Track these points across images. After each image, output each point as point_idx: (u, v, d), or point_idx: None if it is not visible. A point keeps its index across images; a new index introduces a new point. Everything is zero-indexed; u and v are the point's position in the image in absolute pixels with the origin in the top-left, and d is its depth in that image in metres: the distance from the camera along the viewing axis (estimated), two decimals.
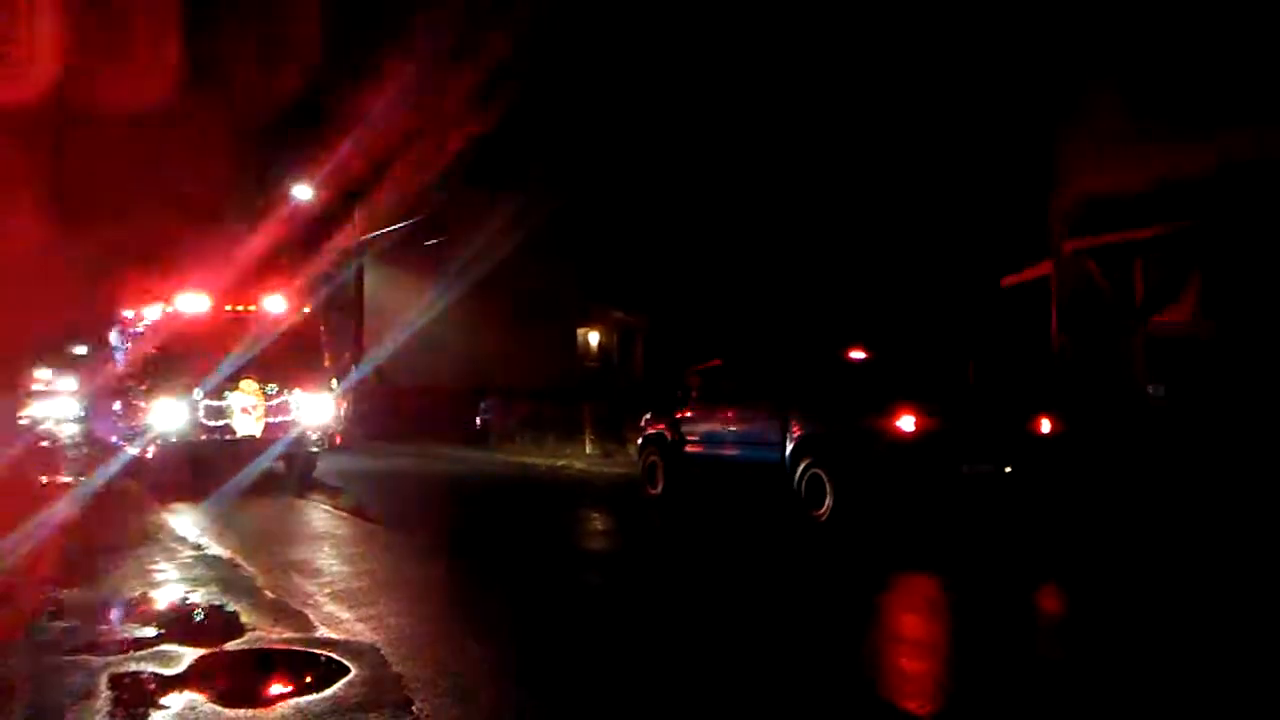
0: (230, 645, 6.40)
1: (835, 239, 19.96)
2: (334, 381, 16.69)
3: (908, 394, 10.39)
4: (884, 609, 7.76)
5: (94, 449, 22.84)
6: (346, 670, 5.75)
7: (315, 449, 16.45)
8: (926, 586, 8.51)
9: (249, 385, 16.01)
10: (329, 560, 9.69)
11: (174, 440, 15.53)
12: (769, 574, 9.06)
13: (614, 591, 8.40)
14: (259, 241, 20.89)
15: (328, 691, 5.36)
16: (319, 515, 13.74)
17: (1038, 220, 13.12)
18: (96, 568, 8.95)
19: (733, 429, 12.48)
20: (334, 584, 8.29)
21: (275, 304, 16.75)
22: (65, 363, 39.89)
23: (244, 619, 7.04)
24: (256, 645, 6.44)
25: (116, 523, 12.80)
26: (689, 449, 13.24)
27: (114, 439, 18.40)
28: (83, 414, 34.17)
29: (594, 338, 40.00)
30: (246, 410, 15.95)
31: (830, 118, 18.71)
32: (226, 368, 15.91)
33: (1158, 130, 11.03)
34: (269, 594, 7.92)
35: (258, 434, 16.01)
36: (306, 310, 17.04)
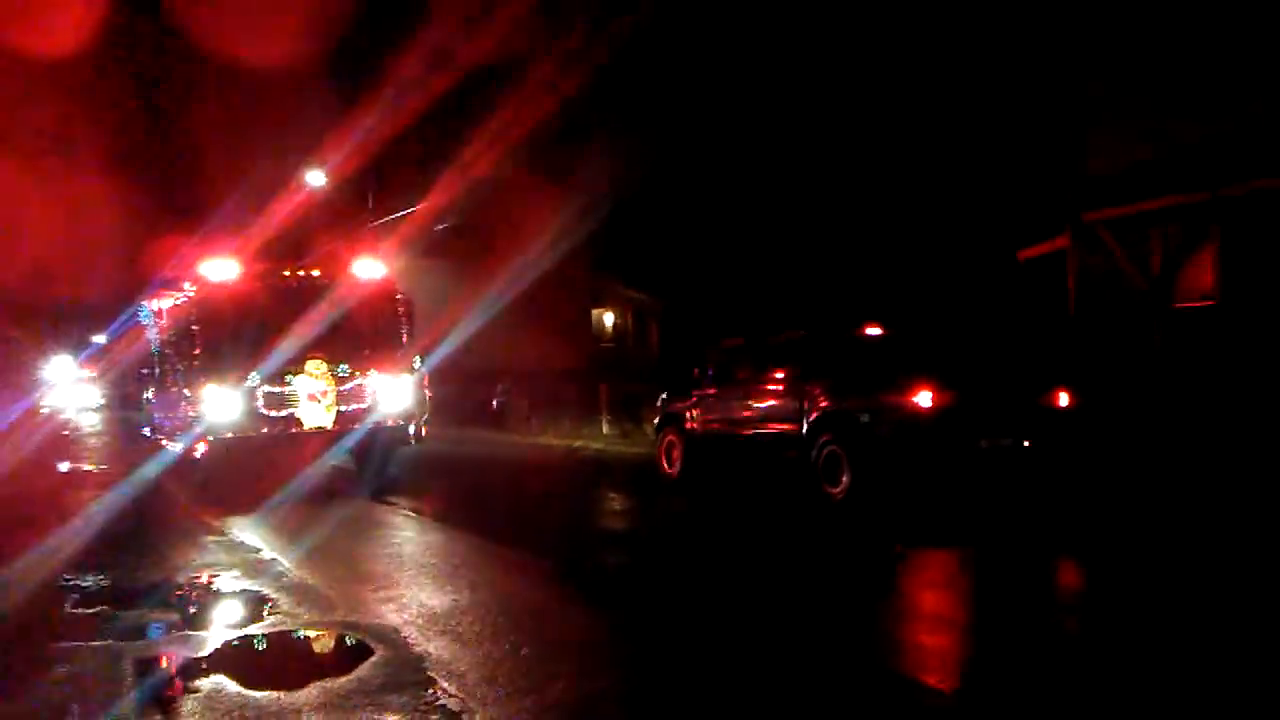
0: None
1: (851, 216, 19.46)
2: (418, 360, 13.78)
3: (925, 370, 10.31)
4: (903, 585, 7.77)
5: (122, 439, 20.09)
6: None
7: (397, 443, 13.57)
8: (945, 562, 8.51)
9: (317, 367, 13.15)
10: (438, 594, 7.55)
11: (227, 434, 12.69)
12: (789, 551, 9.07)
13: (636, 573, 8.47)
14: (321, 203, 18.06)
15: None
16: (405, 525, 11.14)
17: (1055, 194, 12.98)
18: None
19: (750, 407, 12.38)
20: (450, 623, 6.64)
21: (346, 268, 13.86)
22: (86, 346, 37.18)
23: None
24: None
25: (158, 534, 10.74)
26: (707, 428, 13.18)
27: (152, 432, 15.54)
28: (104, 402, 31.44)
29: (609, 318, 39.52)
30: (314, 397, 13.10)
31: (848, 95, 18.07)
32: (289, 346, 13.03)
33: (1175, 102, 10.86)
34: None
35: (329, 425, 13.18)
36: (384, 274, 14.10)
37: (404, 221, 23.95)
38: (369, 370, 13.55)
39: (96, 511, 12.47)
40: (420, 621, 6.64)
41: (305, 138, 18.58)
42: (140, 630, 6.78)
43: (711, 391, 13.21)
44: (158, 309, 16.09)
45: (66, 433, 26.80)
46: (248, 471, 12.85)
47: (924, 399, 9.97)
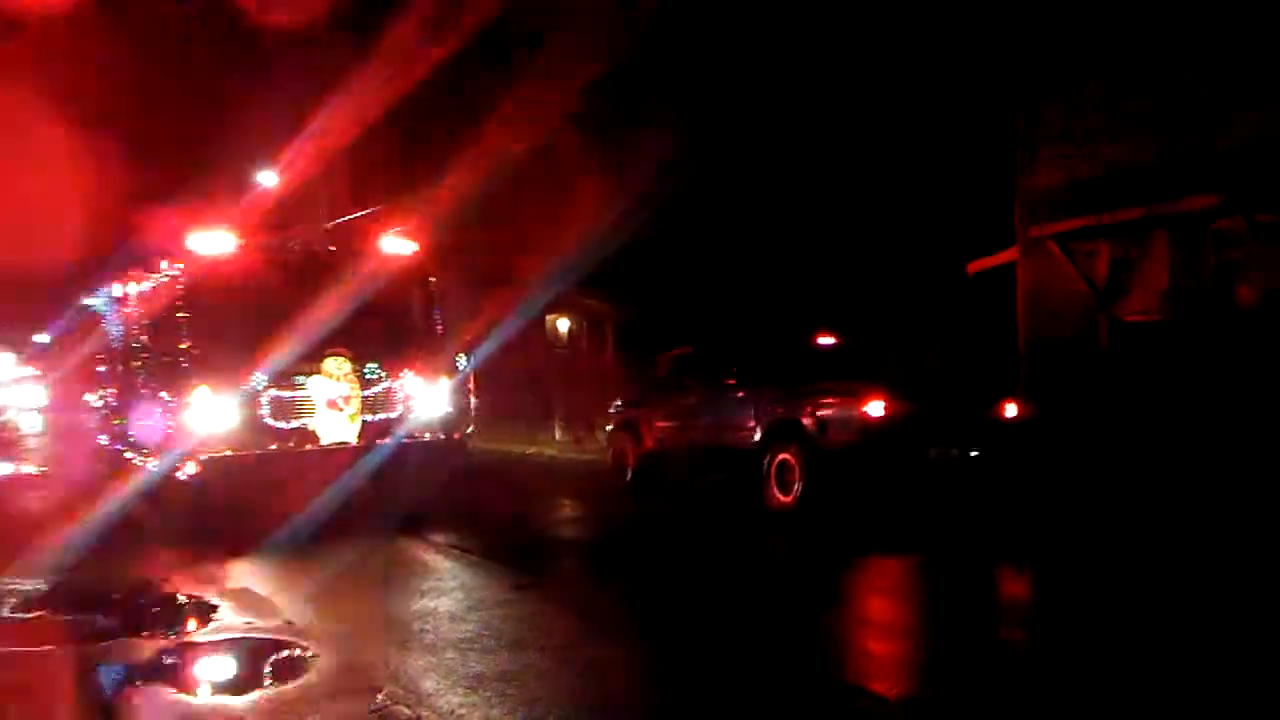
0: None
1: (803, 225, 19.93)
2: (461, 358, 11.07)
3: (876, 379, 10.47)
4: (852, 592, 7.88)
5: (69, 445, 17.08)
6: None
7: (436, 461, 10.86)
8: (894, 570, 8.59)
9: (338, 365, 10.43)
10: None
11: (223, 451, 9.92)
12: (739, 559, 9.02)
13: (583, 579, 8.63)
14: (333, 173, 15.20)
15: None
16: (454, 572, 8.71)
17: (1004, 209, 13.33)
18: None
19: (703, 415, 12.40)
20: None
21: (369, 244, 11.14)
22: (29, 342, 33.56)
23: None
24: None
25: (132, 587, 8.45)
26: (659, 436, 13.13)
27: (114, 445, 12.66)
28: (47, 404, 27.88)
29: (563, 324, 37.86)
30: (334, 404, 10.37)
31: (798, 105, 18.43)
32: (302, 340, 10.30)
33: (1124, 116, 11.20)
34: None
35: (352, 439, 10.45)
36: (413, 252, 11.38)
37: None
38: (401, 370, 10.83)
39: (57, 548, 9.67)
40: None
41: (312, 98, 15.73)
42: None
43: (664, 399, 13.24)
44: (123, 294, 13.21)
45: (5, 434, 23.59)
46: (248, 499, 10.06)
47: (875, 408, 10.04)
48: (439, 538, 9.96)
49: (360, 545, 9.59)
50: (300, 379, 10.36)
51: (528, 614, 7.03)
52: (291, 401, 10.31)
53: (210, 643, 6.70)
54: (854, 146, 18.41)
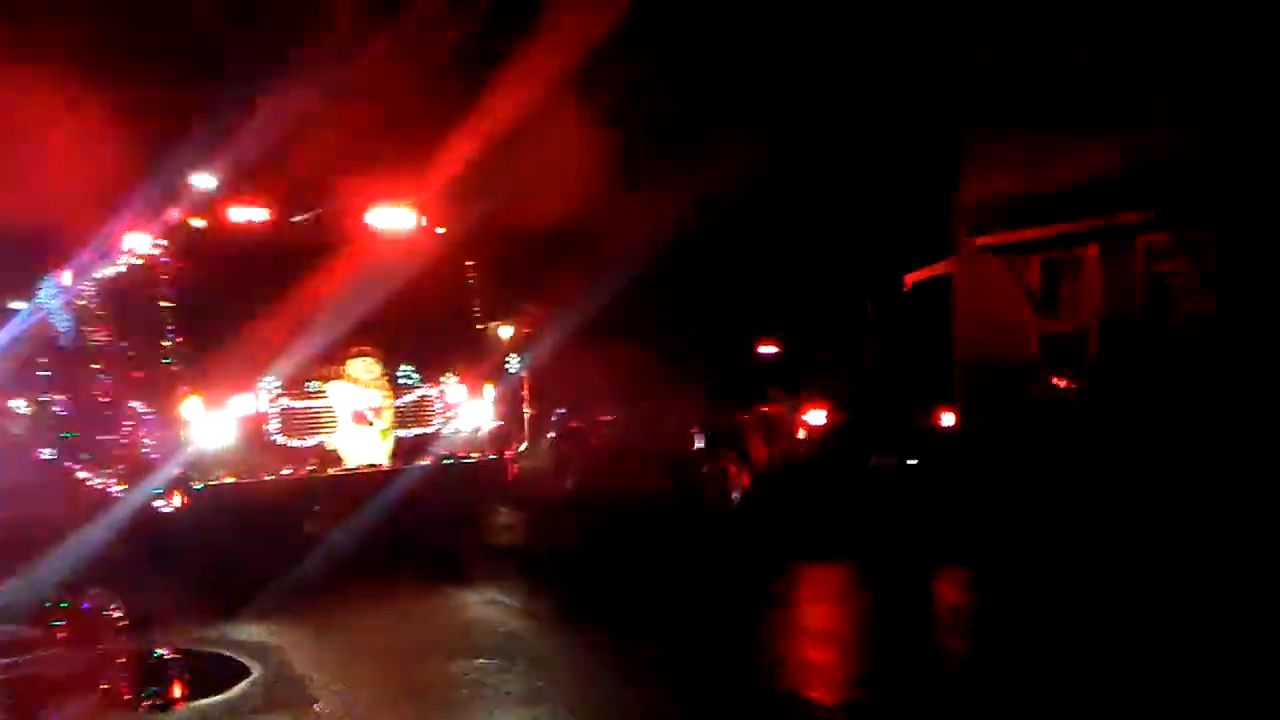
0: None
1: (742, 233, 19.50)
2: (511, 359, 9.00)
3: (818, 389, 10.57)
4: (791, 600, 7.91)
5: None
6: None
7: (484, 488, 8.78)
8: (833, 577, 8.67)
9: (366, 368, 8.35)
10: None
11: (221, 478, 7.75)
12: (678, 566, 8.86)
13: (523, 586, 8.05)
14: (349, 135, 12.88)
15: None
16: (511, 640, 6.57)
17: (942, 221, 13.52)
18: None
19: (644, 423, 12.28)
20: None
21: (393, 219, 9.05)
22: None
23: None
24: None
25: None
26: (602, 443, 12.97)
27: (89, 477, 10.37)
28: None
29: (505, 332, 36.17)
30: (362, 416, 8.27)
31: (737, 115, 17.73)
32: (320, 336, 8.18)
33: (1061, 132, 11.42)
34: None
35: (383, 460, 8.34)
36: (445, 233, 9.29)
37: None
38: (441, 375, 8.74)
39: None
40: None
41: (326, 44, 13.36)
42: None
43: (607, 406, 13.00)
44: (78, 281, 10.96)
45: None
46: (252, 539, 7.89)
47: (816, 416, 10.12)
48: (492, 591, 7.84)
49: (393, 599, 7.47)
50: (318, 385, 8.24)
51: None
52: (308, 414, 8.20)
53: None
54: (797, 157, 18.30)
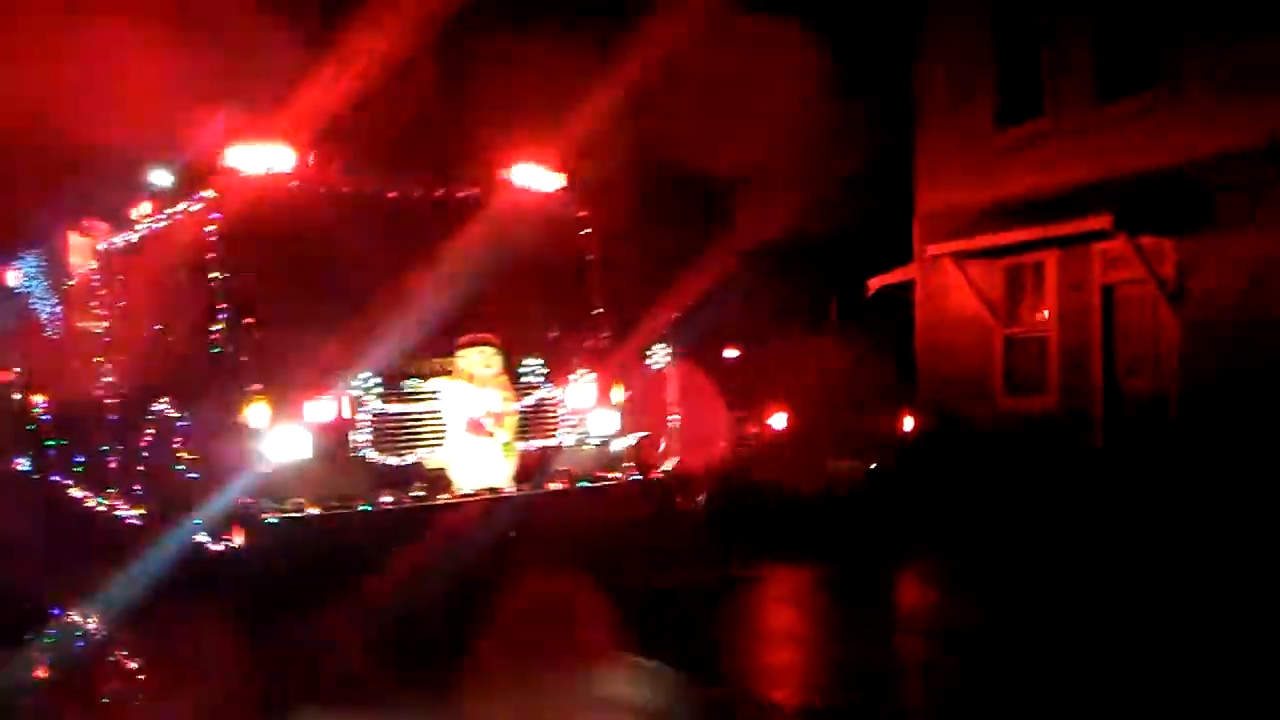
0: None
1: (705, 236, 18.13)
2: (660, 349, 7.05)
3: (779, 394, 10.64)
4: (754, 603, 7.77)
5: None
6: None
7: (633, 516, 6.77)
8: (795, 580, 8.59)
9: (484, 360, 6.32)
10: None
11: (297, 509, 5.68)
12: (640, 568, 7.95)
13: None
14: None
15: None
16: None
17: (905, 228, 13.71)
18: None
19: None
20: None
21: (501, 177, 7.04)
22: None
23: None
24: None
25: None
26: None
27: (86, 497, 8.26)
28: None
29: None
30: (479, 425, 6.29)
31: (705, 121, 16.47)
32: (423, 320, 6.16)
33: (1022, 140, 11.69)
34: None
35: (507, 484, 6.32)
36: (560, 189, 7.29)
37: None
38: (571, 371, 6.75)
39: None
40: None
41: None
42: None
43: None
44: (75, 251, 8.92)
45: None
46: (337, 591, 5.82)
47: (778, 421, 10.21)
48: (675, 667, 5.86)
49: (538, 682, 5.43)
50: (421, 384, 6.20)
51: None
52: (409, 422, 6.16)
53: None
54: (763, 161, 17.49)
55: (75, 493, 9.42)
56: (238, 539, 5.74)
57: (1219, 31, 9.49)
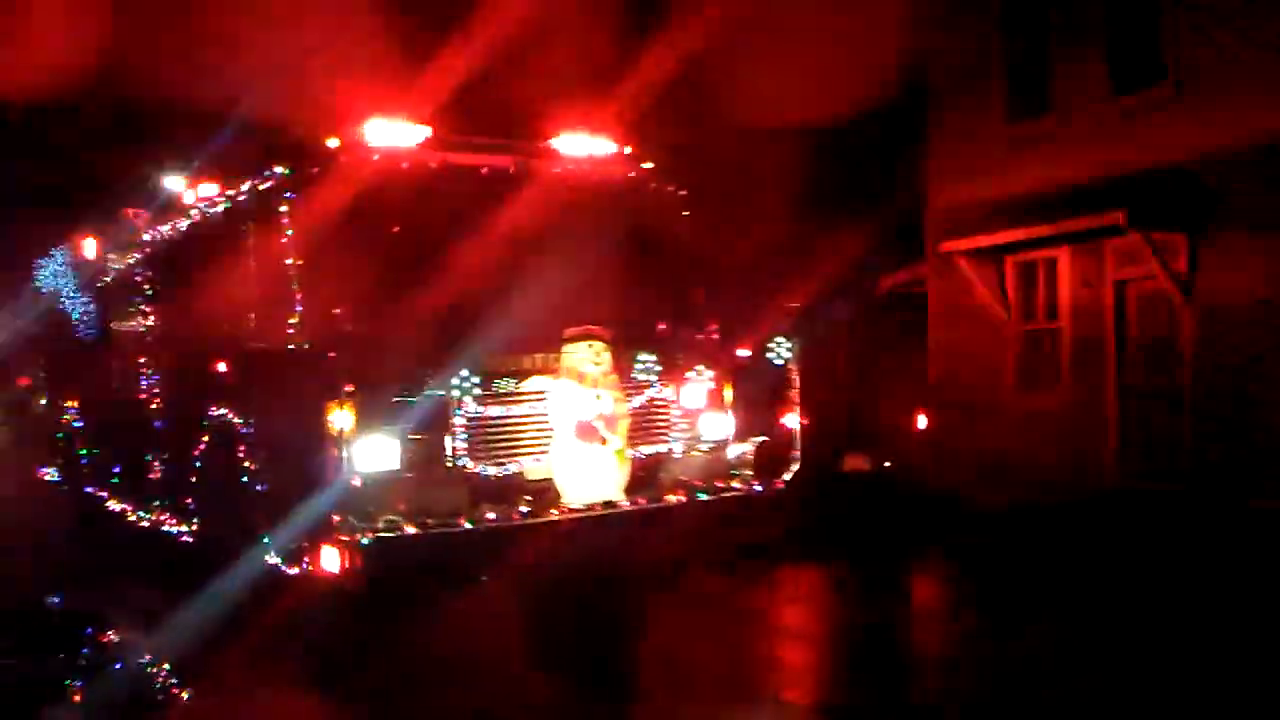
0: None
1: (713, 236, 16.88)
2: (781, 344, 6.31)
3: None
4: (767, 601, 7.54)
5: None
6: None
7: (758, 531, 6.04)
8: (808, 579, 8.45)
9: (595, 354, 5.58)
10: None
11: (393, 527, 4.93)
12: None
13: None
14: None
15: None
16: None
17: (917, 227, 13.66)
18: None
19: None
20: None
21: (593, 148, 6.33)
22: None
23: None
24: None
25: None
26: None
27: (156, 521, 7.55)
28: None
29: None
30: (591, 430, 5.52)
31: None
32: (523, 310, 5.43)
33: (1034, 136, 11.72)
34: None
35: (623, 496, 5.58)
36: (652, 170, 6.57)
37: None
38: (682, 366, 6.02)
39: None
40: None
41: None
42: None
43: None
44: (120, 239, 8.28)
45: None
46: (440, 619, 5.10)
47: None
48: None
49: None
50: (520, 383, 5.47)
51: None
52: (510, 426, 5.42)
53: None
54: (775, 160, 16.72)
55: (113, 505, 8.71)
56: (326, 562, 5.00)
57: (1231, 26, 9.40)
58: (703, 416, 6.14)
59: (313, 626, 5.15)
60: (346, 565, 4.93)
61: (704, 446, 6.12)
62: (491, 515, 5.18)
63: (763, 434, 6.19)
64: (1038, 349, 11.96)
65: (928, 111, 13.33)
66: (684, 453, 6.02)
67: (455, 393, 5.34)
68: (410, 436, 5.22)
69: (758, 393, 6.30)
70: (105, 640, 5.87)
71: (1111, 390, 10.81)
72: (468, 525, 5.10)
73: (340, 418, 5.10)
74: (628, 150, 6.56)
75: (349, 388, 5.06)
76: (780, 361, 6.32)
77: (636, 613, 5.46)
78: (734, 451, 6.16)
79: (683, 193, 6.70)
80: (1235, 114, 9.32)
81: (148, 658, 5.72)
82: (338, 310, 5.22)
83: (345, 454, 5.08)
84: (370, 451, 5.11)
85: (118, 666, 5.64)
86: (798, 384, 6.31)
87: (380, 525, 4.96)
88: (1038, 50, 11.68)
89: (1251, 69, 9.26)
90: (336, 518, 4.96)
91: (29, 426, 12.69)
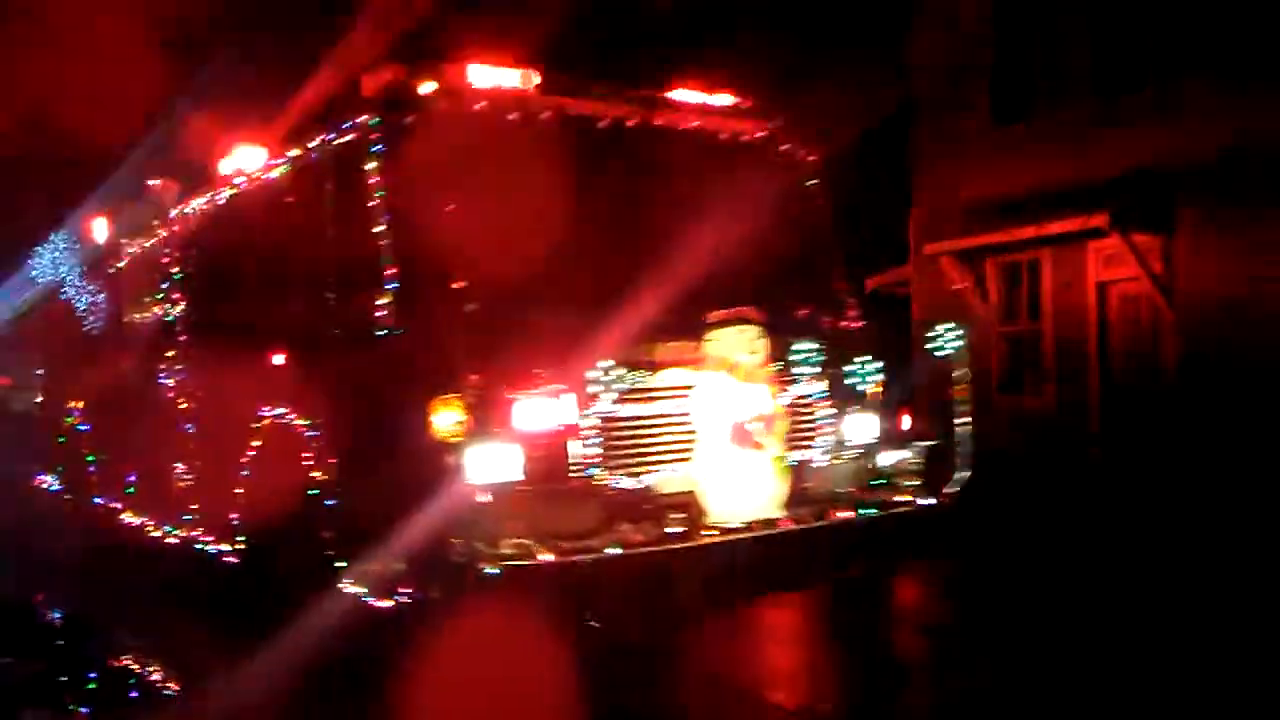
0: None
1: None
2: (937, 337, 5.39)
3: None
4: (755, 604, 6.79)
5: None
6: None
7: (925, 553, 5.13)
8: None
9: (747, 343, 4.61)
10: None
11: (525, 552, 3.95)
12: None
13: None
14: None
15: None
16: None
17: (903, 228, 13.70)
18: None
19: None
20: None
21: (709, 99, 5.40)
22: None
23: None
24: None
25: None
26: None
27: (187, 539, 6.54)
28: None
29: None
30: (745, 435, 4.55)
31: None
32: (661, 292, 4.47)
33: (1018, 138, 11.80)
34: None
35: (781, 514, 4.62)
36: (774, 130, 5.64)
37: None
38: (834, 358, 5.10)
39: None
40: None
41: None
42: None
43: None
44: (142, 217, 7.31)
45: None
46: (579, 668, 4.14)
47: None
48: None
49: None
50: (659, 377, 4.52)
51: None
52: (649, 427, 4.46)
53: None
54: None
55: (129, 519, 7.70)
56: (438, 594, 4.02)
57: (1215, 30, 9.61)
58: (855, 418, 5.21)
59: (413, 668, 4.17)
60: (466, 599, 3.96)
61: (856, 453, 5.18)
62: (636, 537, 4.21)
63: (924, 437, 5.23)
64: (1021, 350, 12.09)
65: (911, 113, 13.48)
66: (841, 461, 5.07)
67: (587, 389, 4.38)
68: (532, 441, 4.25)
69: (914, 390, 5.36)
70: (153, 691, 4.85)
71: (1095, 391, 10.95)
72: (614, 550, 4.13)
73: (450, 418, 4.13)
74: (748, 106, 5.65)
75: (465, 380, 4.09)
76: (944, 353, 5.37)
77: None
78: (889, 459, 5.21)
79: (812, 157, 5.78)
80: (1217, 118, 9.51)
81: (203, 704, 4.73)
82: (445, 288, 4.25)
83: (458, 463, 4.11)
84: (488, 460, 4.14)
85: None
86: (968, 379, 5.35)
87: (508, 550, 3.99)
88: (1022, 55, 11.82)
89: (1234, 73, 9.43)
90: (452, 543, 3.98)
91: (9, 428, 11.75)
